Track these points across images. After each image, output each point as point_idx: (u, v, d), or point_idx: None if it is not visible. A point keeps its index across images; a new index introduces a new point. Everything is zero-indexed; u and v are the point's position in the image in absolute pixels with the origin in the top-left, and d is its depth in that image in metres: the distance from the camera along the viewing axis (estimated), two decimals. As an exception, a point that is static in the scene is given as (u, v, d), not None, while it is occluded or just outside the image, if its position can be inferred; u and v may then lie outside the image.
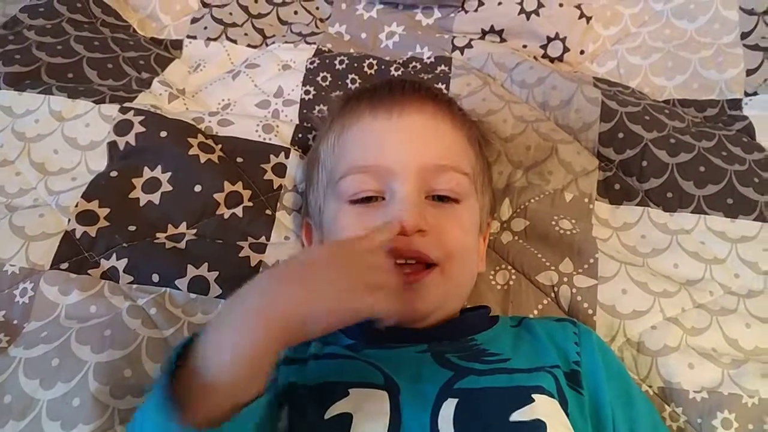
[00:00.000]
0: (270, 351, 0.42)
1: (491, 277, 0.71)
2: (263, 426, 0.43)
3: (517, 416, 0.49)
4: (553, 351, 0.57)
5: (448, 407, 0.49)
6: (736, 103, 0.91)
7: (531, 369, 0.54)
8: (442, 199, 0.61)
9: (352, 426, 0.48)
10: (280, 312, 0.42)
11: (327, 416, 0.48)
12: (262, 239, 0.73)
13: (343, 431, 0.47)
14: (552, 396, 0.51)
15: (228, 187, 0.73)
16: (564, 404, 0.52)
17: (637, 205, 0.78)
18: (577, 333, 0.60)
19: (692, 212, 0.77)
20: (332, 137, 0.67)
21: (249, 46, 1.00)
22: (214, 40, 1.00)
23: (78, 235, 0.68)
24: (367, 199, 0.61)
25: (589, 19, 1.01)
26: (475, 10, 1.02)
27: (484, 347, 0.57)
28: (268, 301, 0.43)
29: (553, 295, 0.70)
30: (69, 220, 0.69)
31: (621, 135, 0.80)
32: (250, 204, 0.74)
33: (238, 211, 0.73)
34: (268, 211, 0.75)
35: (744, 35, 0.95)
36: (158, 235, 0.71)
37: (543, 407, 0.50)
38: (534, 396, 0.50)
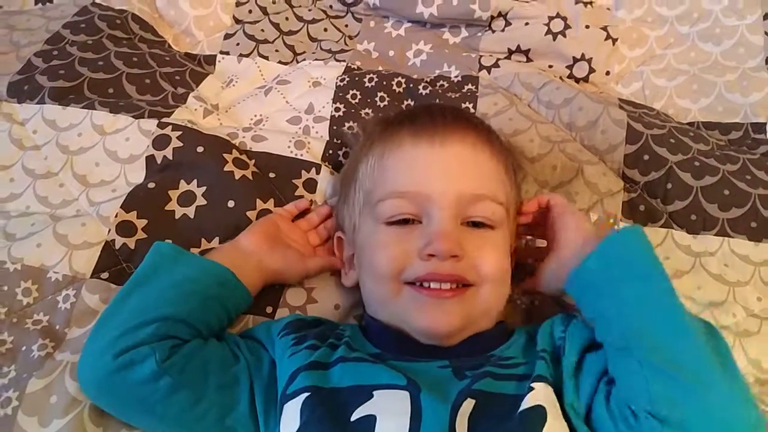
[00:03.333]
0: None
1: (516, 296, 0.72)
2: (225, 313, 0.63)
3: (523, 406, 0.52)
4: (545, 338, 0.59)
5: (467, 406, 0.52)
6: (760, 127, 0.92)
7: (534, 365, 0.56)
8: (477, 225, 0.63)
9: (376, 426, 0.50)
10: None
11: (353, 418, 0.51)
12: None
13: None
14: (547, 381, 0.54)
15: (260, 204, 0.75)
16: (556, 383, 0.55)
17: (661, 226, 0.79)
18: (566, 318, 0.62)
19: (716, 235, 0.77)
20: (372, 160, 0.68)
21: (280, 62, 1.02)
22: (247, 56, 1.03)
23: (117, 245, 0.71)
24: (404, 221, 0.63)
25: (615, 40, 1.02)
26: (502, 30, 1.04)
27: (499, 356, 0.59)
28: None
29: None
30: (109, 230, 0.71)
31: (646, 157, 0.81)
32: (281, 220, 0.76)
33: (270, 227, 0.75)
34: (298, 227, 0.76)
35: (769, 60, 0.96)
36: (192, 250, 0.72)
37: (540, 393, 0.53)
38: (533, 385, 0.53)
